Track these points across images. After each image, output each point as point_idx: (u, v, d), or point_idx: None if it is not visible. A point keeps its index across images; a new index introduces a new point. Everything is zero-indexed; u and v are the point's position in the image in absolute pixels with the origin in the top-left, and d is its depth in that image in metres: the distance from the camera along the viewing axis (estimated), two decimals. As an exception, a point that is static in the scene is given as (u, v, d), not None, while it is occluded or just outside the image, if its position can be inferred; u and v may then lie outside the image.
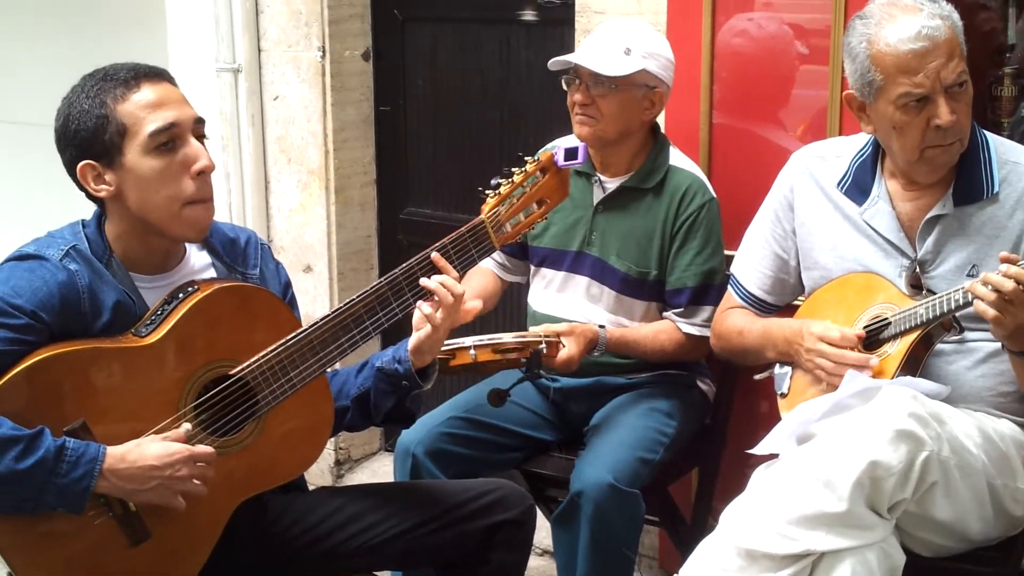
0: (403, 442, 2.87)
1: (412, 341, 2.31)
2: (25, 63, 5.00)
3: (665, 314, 2.99)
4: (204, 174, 2.16)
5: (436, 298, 2.24)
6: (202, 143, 2.19)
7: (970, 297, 2.19)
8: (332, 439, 4.22)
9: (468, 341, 2.71)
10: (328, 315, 2.22)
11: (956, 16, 2.35)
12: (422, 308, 2.26)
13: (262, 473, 2.22)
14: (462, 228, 2.31)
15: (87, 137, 2.13)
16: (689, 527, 3.06)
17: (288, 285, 2.46)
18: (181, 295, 2.16)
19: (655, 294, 2.99)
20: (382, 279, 2.25)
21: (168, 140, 2.13)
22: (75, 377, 2.06)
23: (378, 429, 4.37)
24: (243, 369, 2.16)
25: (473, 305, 2.59)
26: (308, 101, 4.10)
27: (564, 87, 2.95)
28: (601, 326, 2.91)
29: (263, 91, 4.20)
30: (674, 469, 2.98)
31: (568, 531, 2.74)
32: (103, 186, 2.16)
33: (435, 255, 2.26)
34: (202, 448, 2.10)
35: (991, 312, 2.15)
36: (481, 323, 3.19)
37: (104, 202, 2.20)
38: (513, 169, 2.38)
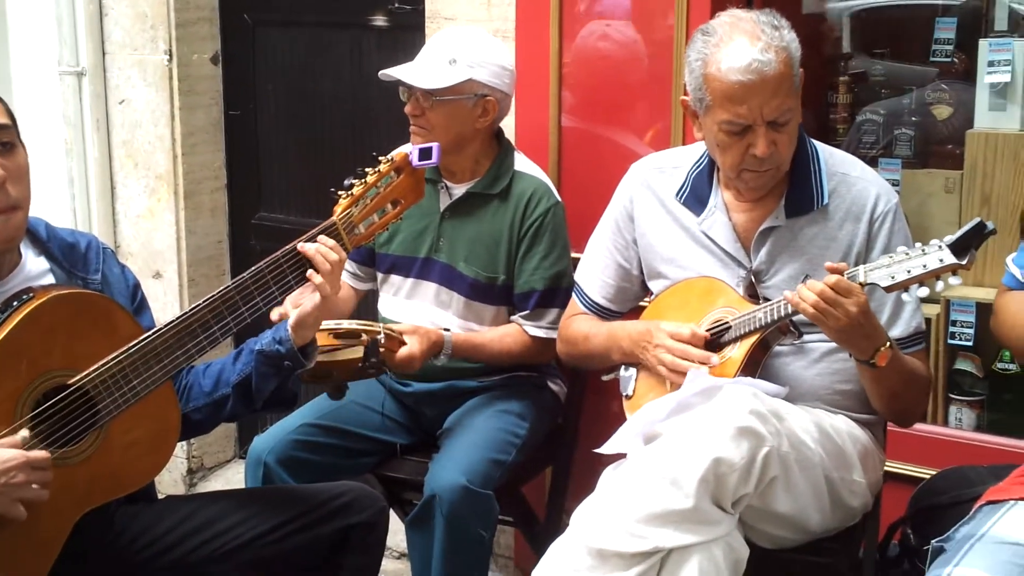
0: (254, 450, 2.84)
1: (295, 317, 2.29)
2: None
3: (512, 318, 3.01)
4: None
5: (315, 266, 2.23)
6: (8, 149, 2.11)
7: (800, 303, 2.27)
8: (184, 447, 4.15)
9: None
10: (172, 321, 2.17)
11: (795, 46, 2.38)
12: (312, 278, 2.23)
13: (106, 483, 2.16)
14: (313, 230, 2.29)
15: None
16: (543, 526, 3.09)
17: (136, 287, 2.41)
18: (15, 303, 2.08)
19: (504, 299, 3.01)
20: (230, 283, 2.22)
21: None
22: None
23: (232, 437, 4.31)
24: (82, 378, 2.10)
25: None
26: (155, 105, 4.03)
27: (402, 98, 2.96)
28: (446, 329, 2.92)
29: (108, 95, 4.12)
30: (527, 469, 3.01)
31: (423, 534, 2.74)
32: None
33: (302, 246, 2.23)
34: (37, 453, 2.03)
35: (810, 311, 2.24)
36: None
37: None
38: (367, 169, 2.36)
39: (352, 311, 3.19)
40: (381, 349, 2.69)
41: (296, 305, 2.33)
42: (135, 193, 4.12)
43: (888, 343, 2.31)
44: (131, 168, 4.11)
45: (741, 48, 2.34)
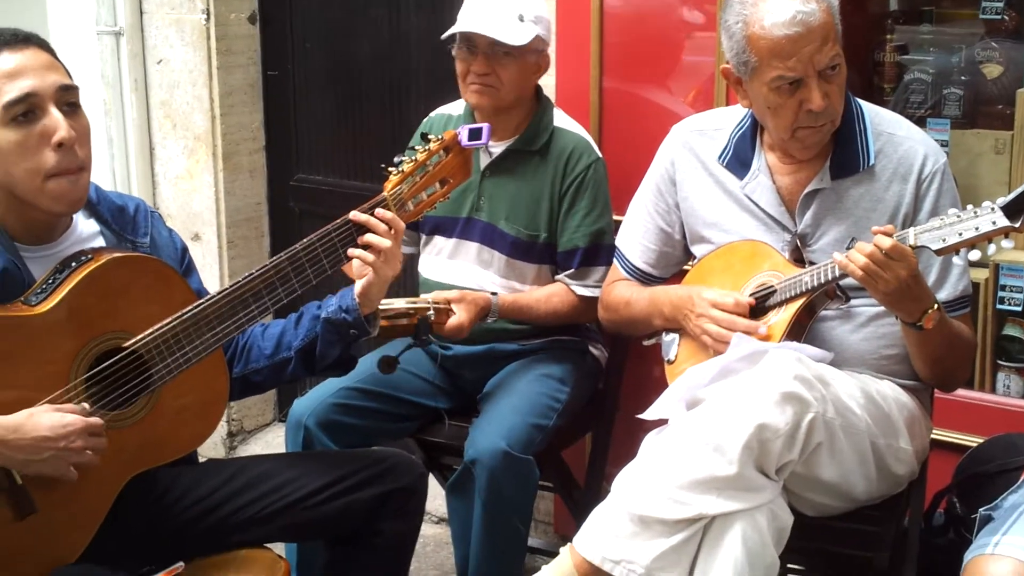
0: (294, 414, 2.84)
1: (358, 287, 2.29)
2: None
3: (557, 277, 3.00)
4: (65, 146, 2.07)
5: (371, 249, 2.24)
6: (74, 110, 2.11)
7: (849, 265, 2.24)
8: (226, 410, 4.16)
9: None
10: (226, 289, 2.18)
11: None
12: (363, 257, 2.24)
13: (153, 448, 2.18)
14: (364, 205, 2.29)
15: None
16: (583, 492, 3.08)
17: (185, 251, 2.42)
18: (74, 264, 2.09)
19: (546, 257, 3.00)
20: (283, 254, 2.22)
21: (26, 111, 2.05)
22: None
23: (271, 400, 4.32)
24: (137, 342, 2.11)
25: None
26: (193, 65, 4.01)
27: (456, 56, 2.93)
28: (493, 293, 2.90)
29: (146, 55, 4.11)
30: (567, 435, 3.00)
31: (462, 499, 2.74)
32: None
33: (354, 214, 2.24)
34: (94, 419, 2.05)
35: (859, 274, 2.21)
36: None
37: None
38: (416, 147, 2.37)
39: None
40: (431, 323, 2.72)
41: (358, 276, 2.32)
42: (174, 154, 4.12)
43: (936, 305, 2.28)
44: (169, 129, 4.11)
45: (781, 2, 2.30)
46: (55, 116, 2.07)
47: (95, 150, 4.02)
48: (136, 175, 4.14)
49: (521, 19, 2.87)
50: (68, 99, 2.11)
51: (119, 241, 2.26)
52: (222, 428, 4.22)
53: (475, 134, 2.37)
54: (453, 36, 2.92)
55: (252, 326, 2.23)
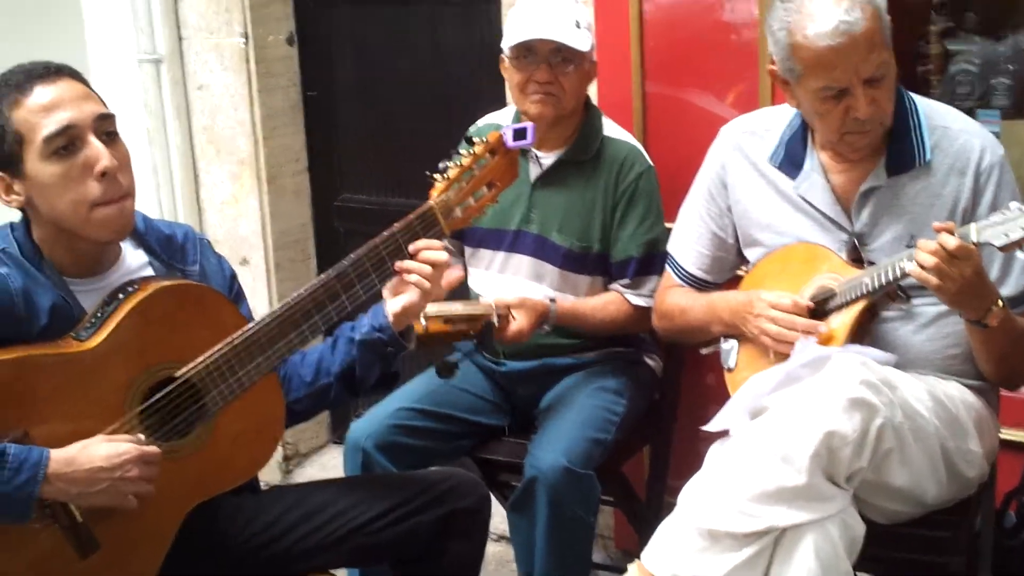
0: (352, 436, 2.82)
1: (398, 306, 2.26)
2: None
3: (612, 286, 2.96)
4: (108, 174, 2.07)
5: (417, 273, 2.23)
6: (113, 139, 2.11)
7: (912, 265, 2.19)
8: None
9: None
10: (276, 310, 2.16)
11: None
12: (420, 270, 2.22)
13: (213, 476, 2.17)
14: (410, 215, 2.25)
15: None
16: (644, 506, 3.05)
17: (234, 278, 2.41)
18: (121, 296, 2.09)
19: (599, 268, 2.96)
20: (330, 271, 2.20)
21: (66, 143, 2.05)
22: (12, 386, 1.98)
23: (325, 423, 4.32)
24: (189, 370, 2.10)
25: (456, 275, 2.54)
26: (234, 89, 4.02)
27: (513, 65, 2.89)
28: (551, 299, 2.88)
29: (187, 81, 4.11)
30: (626, 448, 2.96)
31: (525, 516, 2.71)
32: (13, 196, 2.10)
33: (399, 264, 2.22)
34: (150, 448, 2.04)
35: (932, 280, 2.15)
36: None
37: (24, 208, 2.13)
38: (460, 151, 2.32)
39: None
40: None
41: (396, 293, 2.30)
42: (218, 180, 4.12)
43: (1000, 302, 2.22)
44: (213, 154, 4.11)
45: (825, 10, 2.26)
46: (96, 146, 2.07)
47: (140, 179, 4.05)
48: (182, 202, 4.15)
49: (578, 25, 2.85)
50: (106, 128, 2.10)
51: (168, 270, 2.25)
52: (277, 452, 4.21)
53: (520, 134, 2.32)
54: (503, 46, 2.89)
55: (304, 346, 2.21)
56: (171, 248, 2.29)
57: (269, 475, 4.20)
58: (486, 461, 2.99)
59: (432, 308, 2.63)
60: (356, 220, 4.07)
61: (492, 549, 3.43)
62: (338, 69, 4.09)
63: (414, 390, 2.94)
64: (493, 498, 2.88)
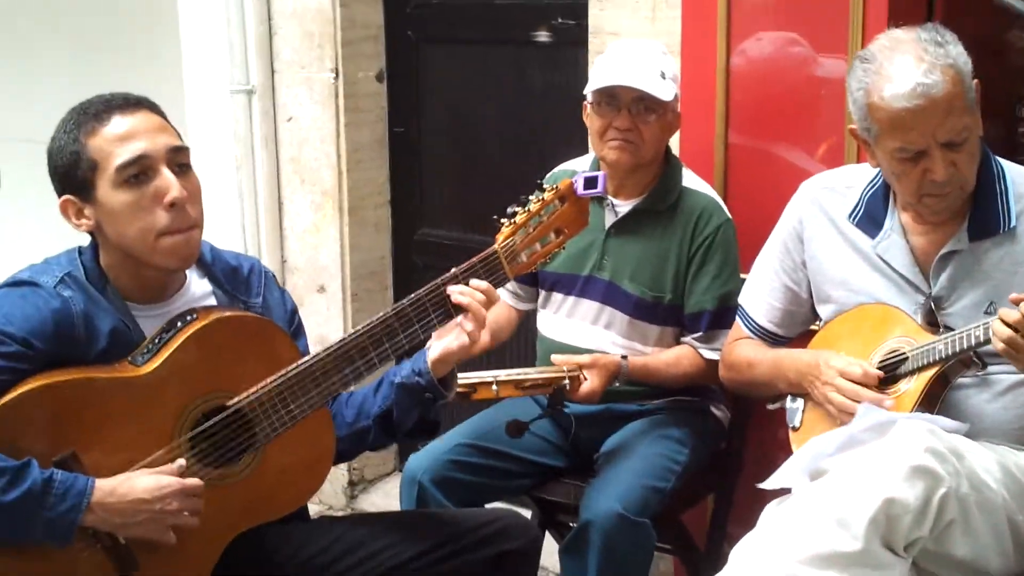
0: (409, 469, 2.82)
1: (437, 352, 2.27)
2: (45, 86, 5.01)
3: (684, 340, 2.94)
4: (177, 205, 2.11)
5: (470, 313, 2.22)
6: (184, 171, 2.15)
7: (990, 334, 2.13)
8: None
9: (489, 375, 2.68)
10: (332, 345, 2.17)
11: (963, 60, 2.24)
12: (463, 325, 2.22)
13: (259, 506, 2.18)
14: (474, 259, 2.26)
15: (64, 173, 2.12)
16: (703, 556, 2.99)
17: (294, 312, 2.42)
18: (179, 324, 2.12)
19: (669, 319, 2.93)
20: (389, 310, 2.21)
21: (138, 172, 2.09)
22: (66, 406, 2.02)
23: (392, 449, 4.33)
24: (241, 400, 2.12)
25: (484, 340, 2.54)
26: (322, 122, 4.08)
27: (594, 111, 2.89)
28: (624, 356, 2.86)
29: (276, 112, 4.18)
30: (687, 497, 2.92)
31: (577, 561, 2.68)
32: (83, 220, 2.15)
33: (455, 297, 2.22)
34: (193, 481, 2.06)
35: (1011, 351, 2.09)
36: (497, 352, 3.15)
37: (93, 233, 2.17)
38: (530, 197, 2.32)
39: (512, 332, 3.15)
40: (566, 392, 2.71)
41: (440, 337, 2.29)
42: (301, 208, 4.18)
43: None
44: (298, 184, 4.17)
45: (903, 72, 2.21)
46: (167, 176, 2.10)
47: (226, 204, 4.16)
48: (265, 229, 4.21)
49: (663, 76, 2.85)
50: (179, 160, 2.14)
51: (231, 301, 2.28)
52: (343, 477, 4.24)
53: (591, 183, 2.31)
54: (586, 92, 2.90)
55: (359, 382, 2.21)
56: (236, 280, 2.32)
57: (334, 499, 4.24)
58: (544, 501, 2.97)
59: (503, 373, 2.67)
60: (434, 255, 4.10)
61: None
62: (425, 107, 4.14)
63: (473, 427, 2.94)
64: (549, 536, 2.87)
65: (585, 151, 3.16)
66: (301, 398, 2.14)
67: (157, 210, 2.10)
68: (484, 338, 2.28)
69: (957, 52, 2.25)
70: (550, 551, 2.81)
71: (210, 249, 2.32)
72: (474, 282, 2.22)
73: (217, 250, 2.34)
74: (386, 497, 4.18)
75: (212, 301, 2.27)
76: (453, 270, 2.24)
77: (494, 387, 2.66)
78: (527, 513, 3.10)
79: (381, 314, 2.20)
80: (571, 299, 3.00)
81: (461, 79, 4.05)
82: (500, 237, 2.28)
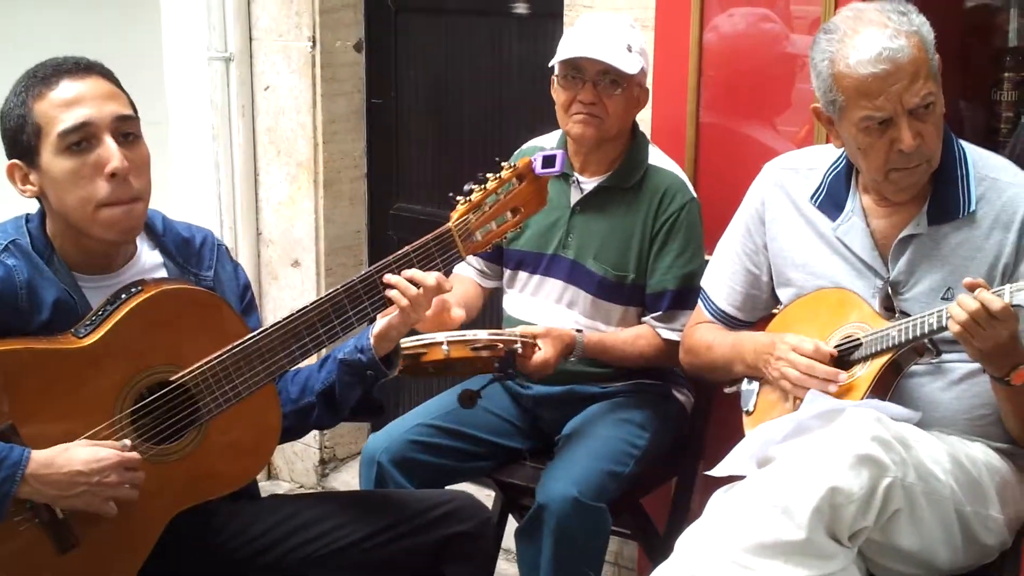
0: (368, 450, 2.81)
1: (377, 327, 2.25)
2: (22, 53, 4.97)
3: (644, 319, 2.91)
4: (118, 176, 2.07)
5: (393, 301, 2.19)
6: (131, 140, 2.11)
7: (944, 322, 2.10)
8: (317, 437, 4.17)
9: (441, 336, 2.63)
10: (279, 322, 2.15)
11: (926, 29, 2.23)
12: (398, 301, 2.18)
13: (203, 482, 2.16)
14: (427, 236, 2.23)
15: (11, 137, 2.09)
16: (663, 540, 2.97)
17: (247, 287, 2.40)
18: (124, 296, 2.09)
19: (633, 298, 2.91)
20: (339, 287, 2.18)
21: (80, 140, 2.06)
22: (5, 377, 2.00)
23: (364, 428, 4.31)
24: (184, 375, 2.10)
25: (457, 314, 2.51)
26: (298, 92, 4.04)
27: (559, 84, 2.86)
28: (579, 330, 2.83)
29: (254, 81, 4.14)
30: (647, 481, 2.90)
31: (532, 544, 2.67)
32: (28, 186, 2.12)
33: (386, 277, 2.18)
34: (130, 454, 2.04)
35: (964, 336, 2.07)
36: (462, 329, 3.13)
37: (40, 199, 2.14)
38: (488, 175, 2.29)
39: (480, 309, 3.12)
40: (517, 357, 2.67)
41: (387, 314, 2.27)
42: (277, 180, 4.15)
43: None
44: (274, 155, 4.14)
45: (868, 38, 2.19)
46: (109, 146, 2.07)
47: (202, 175, 4.12)
48: (240, 200, 4.18)
49: (630, 49, 2.81)
50: (125, 129, 2.10)
51: (182, 273, 2.25)
52: (314, 455, 4.22)
53: (549, 162, 2.28)
54: (554, 66, 2.86)
55: (306, 359, 2.19)
56: (188, 251, 2.29)
57: (305, 478, 4.22)
58: (505, 483, 2.95)
59: (456, 334, 2.63)
60: (410, 229, 4.06)
61: (512, 569, 3.39)
62: (403, 78, 4.09)
63: (434, 407, 2.92)
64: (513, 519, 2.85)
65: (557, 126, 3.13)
66: (246, 374, 2.12)
67: (98, 180, 2.06)
68: (428, 315, 2.25)
69: (920, 21, 2.24)
70: (512, 532, 2.78)
71: (162, 219, 2.30)
72: (408, 273, 2.19)
73: (169, 221, 2.31)
74: (357, 475, 4.15)
75: (163, 273, 2.24)
76: (406, 248, 2.21)
77: (444, 347, 2.60)
78: (490, 495, 3.09)
79: (331, 291, 2.17)
80: (536, 278, 2.97)
81: (439, 50, 4.00)
82: (454, 215, 2.25)
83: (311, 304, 2.16)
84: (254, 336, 2.13)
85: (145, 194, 2.14)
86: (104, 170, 2.06)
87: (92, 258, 2.16)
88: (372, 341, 2.23)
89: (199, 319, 2.15)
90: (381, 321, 2.24)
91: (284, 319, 2.15)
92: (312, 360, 2.28)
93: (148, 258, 2.24)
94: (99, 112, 2.07)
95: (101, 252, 2.16)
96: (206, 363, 2.11)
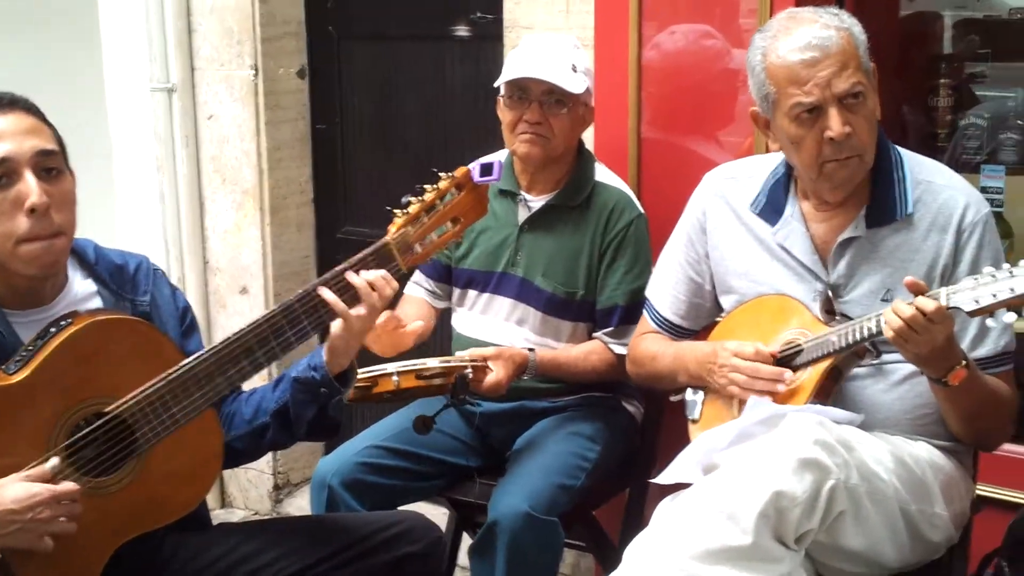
0: (319, 473, 2.79)
1: (326, 344, 2.23)
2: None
3: (595, 335, 2.92)
4: (38, 211, 2.04)
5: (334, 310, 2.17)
6: (54, 175, 2.09)
7: (882, 325, 2.12)
8: (270, 463, 4.14)
9: (391, 367, 2.64)
10: (215, 345, 2.13)
11: (857, 30, 2.28)
12: (335, 304, 2.16)
13: (145, 512, 2.12)
14: (366, 250, 2.22)
15: None
16: (617, 552, 2.97)
17: (187, 310, 2.38)
18: (53, 329, 2.06)
19: (583, 314, 2.92)
20: (276, 307, 2.17)
21: (0, 176, 2.04)
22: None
23: (318, 452, 4.28)
24: (119, 406, 2.07)
25: (415, 326, 2.48)
26: (242, 120, 4.04)
27: (505, 104, 2.88)
28: (531, 349, 2.84)
29: (197, 111, 4.14)
30: (599, 493, 2.91)
31: (485, 560, 2.66)
32: None
33: (321, 289, 2.17)
34: (65, 486, 1.99)
35: (901, 340, 2.09)
36: (416, 351, 3.12)
37: None
38: (426, 187, 2.28)
39: (431, 329, 3.11)
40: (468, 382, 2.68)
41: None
42: (223, 208, 4.14)
43: (964, 362, 2.15)
44: (219, 183, 4.13)
45: (799, 30, 2.26)
46: (29, 181, 2.05)
47: (147, 206, 4.09)
48: (187, 230, 4.17)
49: (574, 69, 2.83)
50: (47, 164, 2.08)
51: (117, 300, 2.23)
52: (268, 481, 4.20)
53: (487, 169, 2.28)
54: (501, 86, 2.88)
55: (244, 382, 2.17)
56: (122, 278, 2.27)
57: (259, 504, 4.19)
58: (458, 502, 2.95)
59: (406, 364, 2.63)
60: (358, 253, 4.05)
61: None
62: (347, 103, 4.10)
63: (384, 428, 2.91)
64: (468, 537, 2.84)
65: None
66: (184, 401, 2.09)
67: (18, 216, 2.04)
68: (368, 324, 2.22)
69: (852, 21, 2.29)
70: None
71: (94, 248, 2.28)
72: (365, 275, 2.18)
73: (102, 249, 2.29)
74: (312, 501, 4.14)
75: (97, 301, 2.22)
76: (343, 264, 2.20)
77: (394, 378, 2.61)
78: (444, 514, 3.08)
79: (268, 312, 2.16)
80: (485, 296, 2.98)
81: (383, 75, 4.02)
82: (392, 228, 2.24)
83: (248, 326, 2.14)
84: (190, 362, 2.11)
85: (68, 228, 2.11)
86: (23, 206, 2.04)
87: (19, 293, 2.13)
88: (325, 358, 2.22)
89: (133, 348, 2.11)
90: (329, 336, 2.22)
91: (220, 343, 2.13)
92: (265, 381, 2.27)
93: (81, 288, 2.22)
94: (19, 148, 2.05)
95: (27, 287, 2.13)
96: (141, 392, 2.07)
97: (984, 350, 2.29)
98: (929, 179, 2.36)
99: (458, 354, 2.79)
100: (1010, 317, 2.06)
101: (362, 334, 2.22)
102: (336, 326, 2.20)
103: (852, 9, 2.67)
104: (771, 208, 2.45)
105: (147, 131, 4.15)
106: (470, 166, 2.30)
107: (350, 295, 2.18)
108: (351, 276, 2.18)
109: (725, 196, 2.53)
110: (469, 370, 2.68)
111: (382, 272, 2.20)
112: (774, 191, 2.46)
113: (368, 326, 2.22)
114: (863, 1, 2.95)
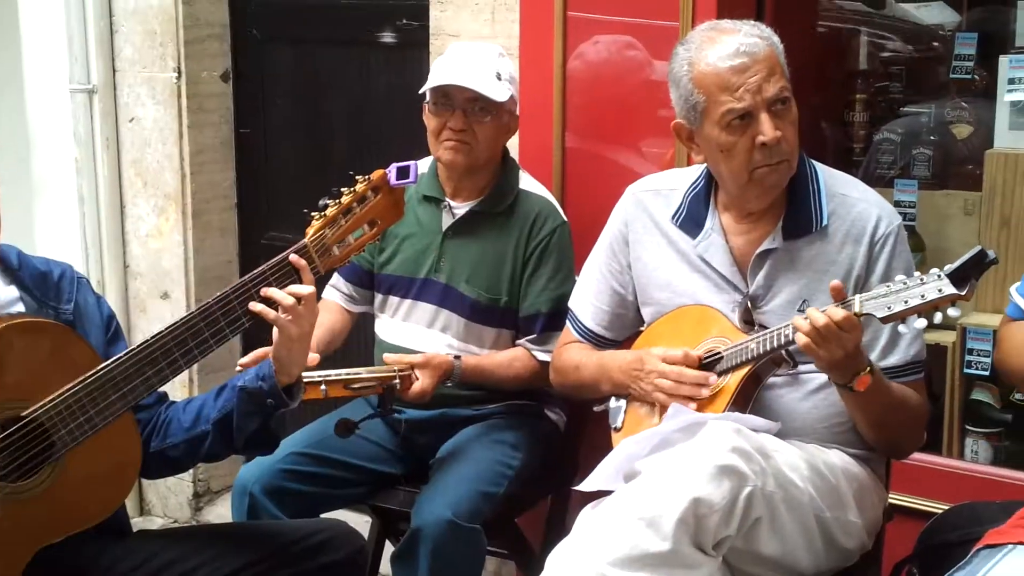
0: (240, 480, 2.78)
1: (271, 354, 2.22)
2: None
3: (519, 342, 2.94)
4: None
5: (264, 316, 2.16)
6: None
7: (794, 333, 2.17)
8: (191, 470, 4.10)
9: (318, 377, 2.63)
10: (132, 349, 2.12)
11: (776, 39, 2.34)
12: (264, 313, 2.15)
13: (63, 518, 2.10)
14: (284, 253, 2.23)
15: None
16: (538, 559, 2.99)
17: (112, 318, 2.36)
18: None
19: (505, 321, 2.94)
20: (195, 309, 2.16)
21: None
22: None
23: (239, 460, 4.25)
24: (35, 410, 2.04)
25: (312, 358, 2.47)
26: (164, 123, 4.00)
27: (430, 111, 2.89)
28: (456, 356, 2.85)
29: (118, 113, 4.09)
30: (522, 501, 2.92)
31: (408, 568, 2.65)
32: None
33: (252, 304, 2.16)
34: None
35: (812, 347, 2.14)
36: (338, 358, 3.11)
37: None
38: (343, 189, 2.29)
39: (346, 334, 3.11)
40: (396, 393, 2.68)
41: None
42: (144, 212, 4.09)
43: (869, 368, 2.21)
44: (140, 187, 4.08)
45: (725, 39, 2.30)
46: None
47: (66, 209, 4.02)
48: (107, 234, 4.11)
49: (499, 77, 2.85)
50: None
51: (40, 307, 2.21)
52: (188, 489, 4.15)
53: (403, 172, 2.29)
54: (426, 92, 2.89)
55: (162, 385, 2.15)
56: (46, 285, 2.25)
57: (179, 512, 4.15)
58: (381, 509, 2.94)
59: (333, 373, 2.63)
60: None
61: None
62: (271, 107, 4.08)
63: (307, 435, 2.90)
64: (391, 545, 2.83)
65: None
66: (101, 404, 2.07)
67: None
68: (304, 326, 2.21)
69: (770, 32, 2.35)
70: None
71: (17, 254, 2.25)
72: (269, 291, 2.17)
73: (25, 256, 2.27)
74: (232, 509, 4.11)
75: (19, 308, 2.19)
76: (262, 266, 2.20)
77: (322, 387, 2.62)
78: (367, 521, 3.08)
79: (186, 315, 2.15)
80: (407, 302, 2.98)
81: (308, 79, 4.01)
82: (310, 231, 2.25)
83: (166, 329, 2.13)
84: (107, 365, 2.09)
85: None
86: None
87: None
88: (274, 368, 2.21)
89: (49, 353, 2.10)
90: (270, 350, 2.22)
91: (137, 346, 2.11)
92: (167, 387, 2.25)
93: (3, 294, 2.19)
94: None
95: None
96: (58, 396, 2.06)
97: (895, 358, 2.35)
98: (843, 192, 2.41)
99: (385, 357, 2.79)
100: (921, 323, 2.12)
101: (302, 338, 2.20)
102: (275, 335, 2.19)
103: (770, 24, 2.73)
104: (692, 221, 2.49)
105: (67, 132, 4.09)
106: (387, 169, 2.31)
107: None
108: (270, 291, 2.17)
109: (647, 208, 2.56)
110: (397, 380, 2.69)
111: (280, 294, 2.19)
112: (694, 204, 2.50)
113: (305, 329, 2.21)
114: (780, 17, 3.00)
